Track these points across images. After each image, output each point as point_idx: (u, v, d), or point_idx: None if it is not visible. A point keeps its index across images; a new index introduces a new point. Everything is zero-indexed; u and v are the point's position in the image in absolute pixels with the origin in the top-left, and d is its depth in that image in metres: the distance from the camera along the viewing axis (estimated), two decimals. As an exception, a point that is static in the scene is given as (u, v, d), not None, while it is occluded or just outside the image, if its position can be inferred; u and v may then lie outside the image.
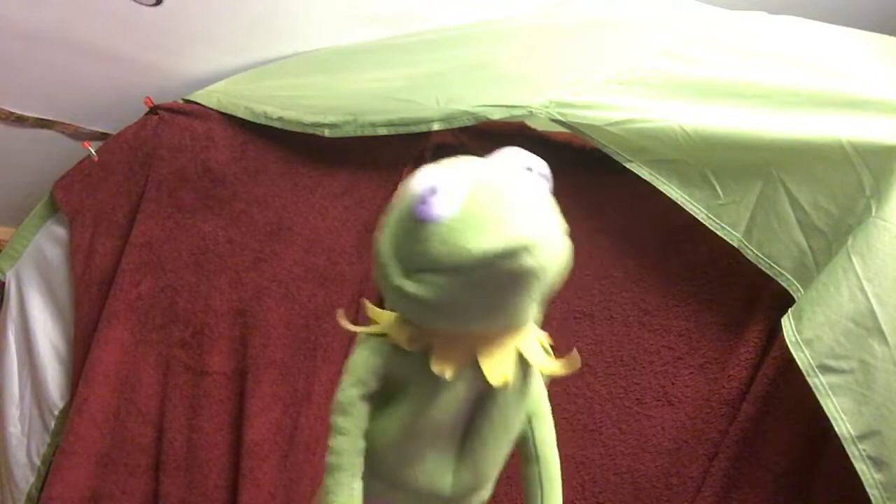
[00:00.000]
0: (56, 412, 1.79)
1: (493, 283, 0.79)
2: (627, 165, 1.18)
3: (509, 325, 0.87)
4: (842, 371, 0.93)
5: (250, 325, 1.58)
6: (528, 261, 0.76)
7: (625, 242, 1.29)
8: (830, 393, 0.93)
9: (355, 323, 0.95)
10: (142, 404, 1.65)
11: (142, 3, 1.48)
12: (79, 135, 1.93)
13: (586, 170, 1.33)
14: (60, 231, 1.85)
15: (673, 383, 1.21)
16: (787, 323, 0.99)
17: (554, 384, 1.31)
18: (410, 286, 0.81)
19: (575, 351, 0.92)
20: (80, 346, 1.74)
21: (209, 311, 1.63)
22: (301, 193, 1.59)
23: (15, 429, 1.83)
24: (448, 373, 0.84)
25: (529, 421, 1.00)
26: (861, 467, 0.90)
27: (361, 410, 0.92)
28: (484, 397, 0.90)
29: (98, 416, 1.64)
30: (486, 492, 1.01)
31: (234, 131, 1.66)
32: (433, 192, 0.77)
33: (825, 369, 0.94)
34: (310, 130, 1.50)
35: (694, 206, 1.13)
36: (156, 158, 1.72)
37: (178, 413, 1.61)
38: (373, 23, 1.62)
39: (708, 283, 1.21)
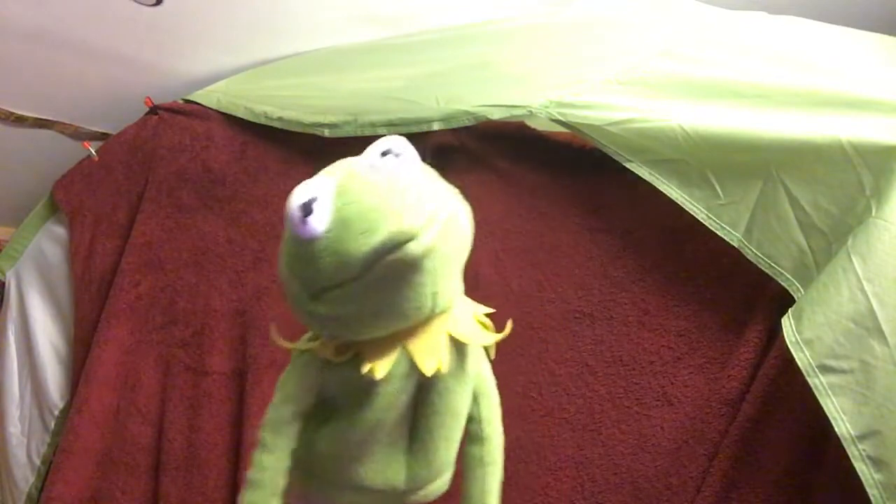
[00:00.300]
0: (56, 412, 1.79)
1: (391, 278, 0.79)
2: (627, 165, 1.18)
3: (430, 313, 0.85)
4: (842, 371, 0.93)
5: (250, 325, 1.58)
6: (413, 246, 0.76)
7: (625, 242, 1.29)
8: (830, 393, 0.93)
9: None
10: (142, 404, 1.65)
11: (142, 3, 1.48)
12: (79, 135, 1.93)
13: (586, 170, 1.33)
14: (60, 231, 1.85)
15: (673, 383, 1.21)
16: (787, 323, 0.99)
17: (554, 384, 1.31)
18: (321, 308, 0.82)
19: (510, 322, 0.92)
20: (80, 346, 1.74)
21: (209, 311, 1.63)
22: (301, 193, 1.58)
23: (15, 429, 1.83)
24: (378, 373, 0.84)
25: (475, 399, 1.00)
26: (861, 467, 0.90)
27: (291, 429, 0.92)
28: (424, 387, 0.90)
29: (98, 416, 1.64)
30: (446, 478, 1.00)
31: (234, 131, 1.66)
32: (307, 210, 0.77)
33: (825, 369, 0.94)
34: (310, 130, 1.51)
35: (694, 206, 1.13)
36: (156, 158, 1.72)
37: (178, 413, 1.61)
38: (373, 23, 1.62)
39: (708, 283, 1.21)
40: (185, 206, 1.69)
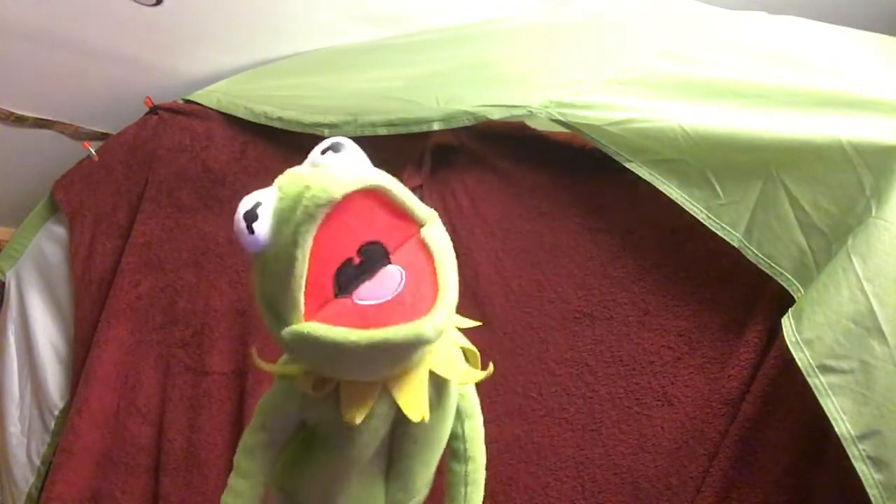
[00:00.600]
0: (56, 412, 1.79)
1: None
2: (627, 165, 1.18)
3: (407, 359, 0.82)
4: (842, 371, 0.93)
5: (250, 325, 1.58)
6: (320, 194, 0.77)
7: (625, 242, 1.29)
8: (830, 393, 0.93)
9: None
10: (142, 404, 1.65)
11: (142, 3, 1.48)
12: (79, 135, 1.93)
13: (586, 170, 1.33)
14: (60, 231, 1.85)
15: (673, 383, 1.21)
16: (787, 323, 0.99)
17: (554, 384, 1.31)
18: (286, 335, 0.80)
19: (490, 364, 0.91)
20: (80, 346, 1.74)
21: (209, 311, 1.62)
22: (301, 193, 1.58)
23: (15, 428, 1.83)
24: (358, 418, 0.82)
25: (460, 418, 0.99)
26: (861, 467, 0.90)
27: (266, 455, 0.92)
28: (403, 419, 0.88)
29: (98, 416, 1.64)
30: (421, 498, 1.01)
31: (234, 131, 1.66)
32: (252, 217, 0.79)
33: (825, 369, 0.94)
34: (310, 130, 1.50)
35: (694, 206, 1.13)
36: (156, 158, 1.72)
37: (178, 413, 1.61)
38: (373, 23, 1.62)
39: (708, 283, 1.21)
40: (185, 206, 1.69)
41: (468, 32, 1.56)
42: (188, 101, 1.72)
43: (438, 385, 0.90)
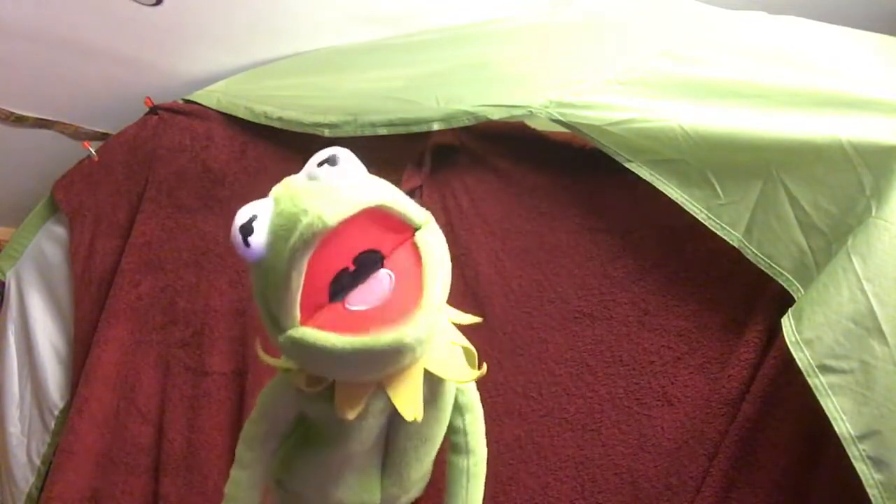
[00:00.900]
0: (56, 412, 1.79)
1: None
2: (627, 165, 1.18)
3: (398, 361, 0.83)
4: (842, 371, 0.93)
5: (250, 325, 1.58)
6: (316, 222, 0.77)
7: (625, 242, 1.29)
8: (830, 393, 0.93)
9: None
10: (142, 404, 1.65)
11: (142, 3, 1.48)
12: (79, 135, 1.93)
13: (586, 170, 1.33)
14: (60, 231, 1.85)
15: (673, 383, 1.21)
16: (787, 323, 0.99)
17: (554, 384, 1.31)
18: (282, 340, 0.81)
19: (484, 364, 0.92)
20: (80, 346, 1.74)
21: (209, 311, 1.63)
22: (301, 193, 1.58)
23: (15, 428, 1.83)
24: (350, 415, 0.83)
25: (460, 412, 1.00)
26: (861, 467, 0.90)
27: (266, 446, 0.93)
28: (399, 416, 0.88)
29: (98, 416, 1.64)
30: (416, 492, 1.02)
31: (234, 131, 1.66)
32: (248, 230, 0.79)
33: (825, 369, 0.94)
34: (310, 130, 1.51)
35: (694, 206, 1.13)
36: (156, 158, 1.72)
37: (178, 413, 1.61)
38: (373, 23, 1.62)
39: (708, 283, 1.21)
40: (185, 206, 1.69)
41: (468, 32, 1.56)
42: (188, 101, 1.72)
43: (433, 383, 0.91)
